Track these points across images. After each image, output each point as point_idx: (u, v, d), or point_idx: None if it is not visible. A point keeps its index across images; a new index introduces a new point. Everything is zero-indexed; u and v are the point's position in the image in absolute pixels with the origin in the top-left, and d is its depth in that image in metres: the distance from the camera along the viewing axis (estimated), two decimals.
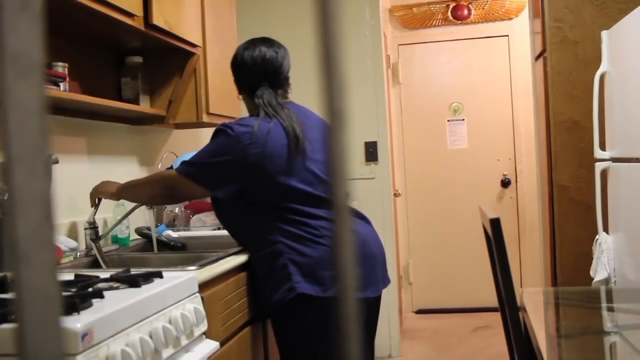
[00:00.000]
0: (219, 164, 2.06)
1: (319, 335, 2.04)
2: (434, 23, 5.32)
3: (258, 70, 2.18)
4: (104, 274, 1.69)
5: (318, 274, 2.03)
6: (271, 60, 2.18)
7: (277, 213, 2.07)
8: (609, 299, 2.11)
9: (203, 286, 1.79)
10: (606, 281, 2.67)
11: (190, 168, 2.09)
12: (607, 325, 1.74)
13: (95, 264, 2.24)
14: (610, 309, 1.95)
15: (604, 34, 2.74)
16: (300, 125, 2.10)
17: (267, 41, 2.24)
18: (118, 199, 2.29)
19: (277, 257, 2.04)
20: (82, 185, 2.44)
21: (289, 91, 2.28)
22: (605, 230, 2.77)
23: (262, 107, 2.12)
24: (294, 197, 2.07)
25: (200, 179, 2.09)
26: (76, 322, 1.20)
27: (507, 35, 5.22)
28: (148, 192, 2.23)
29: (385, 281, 2.25)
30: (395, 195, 4.85)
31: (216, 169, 2.07)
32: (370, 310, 2.23)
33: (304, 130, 2.11)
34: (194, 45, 2.71)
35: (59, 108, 2.24)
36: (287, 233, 2.05)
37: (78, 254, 2.26)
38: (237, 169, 2.04)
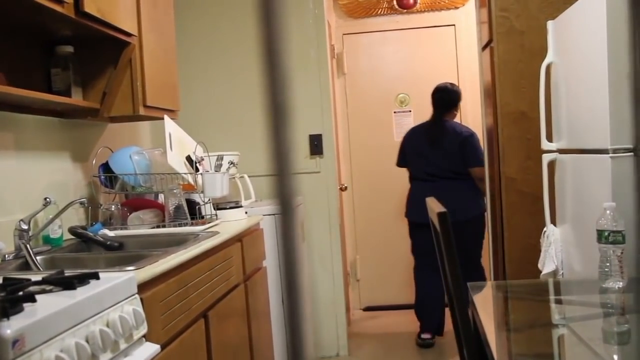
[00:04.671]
0: None
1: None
2: (379, 12, 5.28)
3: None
4: (36, 276, 1.65)
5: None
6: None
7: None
8: (557, 292, 2.14)
9: (142, 287, 1.76)
10: (554, 273, 2.67)
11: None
12: (555, 317, 1.78)
13: (25, 266, 2.16)
14: (558, 301, 1.98)
15: (550, 24, 2.74)
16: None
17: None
18: None
19: None
20: (9, 183, 2.35)
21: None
22: (553, 222, 2.78)
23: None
24: None
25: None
26: (6, 329, 1.17)
27: (454, 25, 5.23)
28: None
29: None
30: (342, 189, 4.80)
31: None
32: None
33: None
34: (128, 35, 2.61)
35: None
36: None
37: (6, 256, 2.16)
38: None
